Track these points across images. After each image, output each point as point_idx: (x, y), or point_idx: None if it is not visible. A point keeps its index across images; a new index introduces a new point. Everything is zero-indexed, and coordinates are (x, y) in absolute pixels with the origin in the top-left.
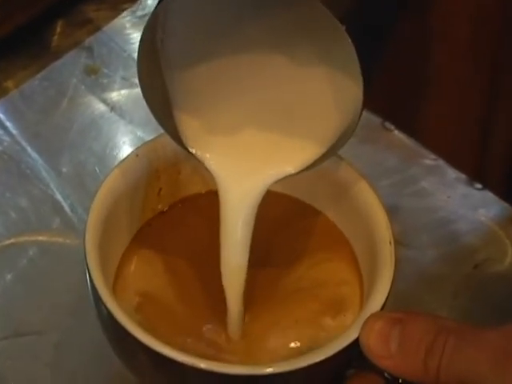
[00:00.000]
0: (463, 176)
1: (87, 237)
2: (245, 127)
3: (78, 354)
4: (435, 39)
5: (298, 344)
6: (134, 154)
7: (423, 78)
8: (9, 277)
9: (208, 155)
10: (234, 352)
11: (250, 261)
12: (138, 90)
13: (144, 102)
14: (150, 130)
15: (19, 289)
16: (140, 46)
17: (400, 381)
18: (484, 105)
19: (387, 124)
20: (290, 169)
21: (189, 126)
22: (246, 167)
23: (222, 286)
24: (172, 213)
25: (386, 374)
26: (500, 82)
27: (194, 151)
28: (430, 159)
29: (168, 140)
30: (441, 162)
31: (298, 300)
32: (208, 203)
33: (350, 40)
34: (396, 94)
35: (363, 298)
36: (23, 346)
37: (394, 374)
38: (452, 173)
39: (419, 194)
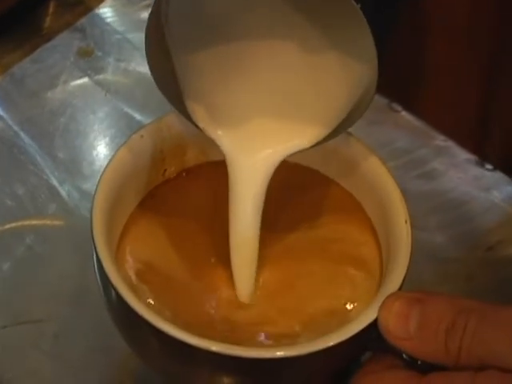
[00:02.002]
0: (473, 157)
1: (94, 221)
2: (255, 105)
3: (78, 342)
4: (433, 25)
5: (320, 299)
6: (139, 135)
7: (421, 64)
8: (6, 264)
9: (218, 132)
10: (240, 317)
11: (262, 226)
12: (133, 73)
13: (140, 85)
14: (148, 113)
15: (17, 277)
16: (148, 20)
17: (419, 362)
18: (482, 91)
19: (394, 105)
20: (300, 144)
21: (198, 104)
22: (256, 143)
23: (223, 252)
24: (175, 182)
25: (404, 356)
26: (498, 67)
27: (203, 128)
28: (439, 140)
29: (173, 120)
30: (450, 143)
31: (316, 257)
32: (211, 171)
33: (364, 19)
34: (395, 79)
35: (383, 264)
36: (22, 335)
37: (413, 355)
38: (462, 154)
39: (429, 175)
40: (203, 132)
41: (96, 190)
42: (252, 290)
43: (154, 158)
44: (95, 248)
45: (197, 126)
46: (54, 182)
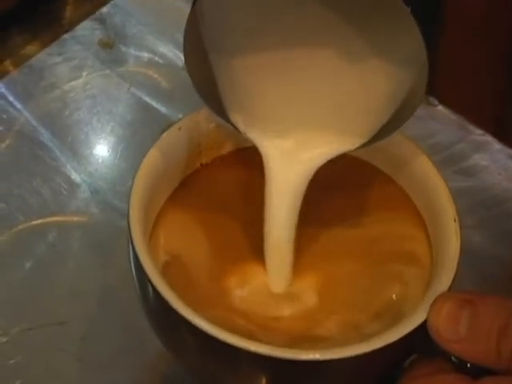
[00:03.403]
0: None
1: (131, 217)
2: (295, 109)
3: (106, 344)
4: (449, 16)
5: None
6: (177, 127)
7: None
8: (28, 263)
9: (258, 135)
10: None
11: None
12: (157, 65)
13: (165, 77)
14: (174, 107)
15: (40, 276)
16: (188, 16)
17: (468, 365)
18: (499, 85)
19: (431, 99)
20: (342, 148)
21: (237, 106)
22: (297, 147)
23: (254, 243)
24: (208, 169)
25: (453, 359)
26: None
27: (240, 129)
28: (477, 135)
29: (211, 113)
30: (488, 138)
31: (367, 252)
32: (245, 159)
33: (415, 23)
34: None
35: (433, 262)
36: (48, 337)
37: (463, 358)
38: (501, 149)
39: (468, 171)
40: (243, 134)
41: (133, 183)
42: (287, 284)
43: (191, 151)
44: (132, 244)
45: (236, 128)
46: (77, 179)
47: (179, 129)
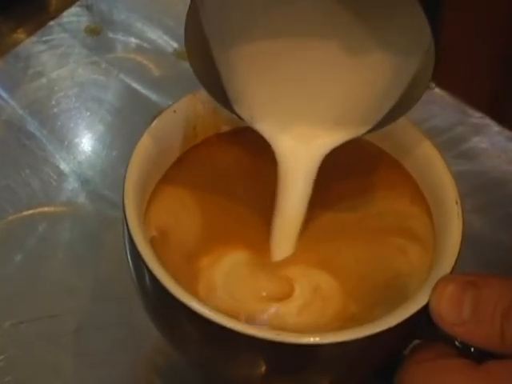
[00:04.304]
0: None
1: (126, 202)
2: (300, 98)
3: (100, 338)
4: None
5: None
6: (172, 110)
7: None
8: (18, 256)
9: (263, 124)
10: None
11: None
12: (146, 50)
13: (155, 64)
14: (165, 94)
15: (30, 269)
16: (189, 8)
17: (472, 350)
18: (497, 79)
19: None
20: (348, 135)
21: (240, 94)
22: (304, 134)
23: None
24: (202, 148)
25: (457, 343)
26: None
27: (246, 119)
28: (476, 118)
29: (208, 96)
30: (487, 121)
31: (369, 231)
32: (240, 139)
33: (421, 8)
34: None
35: (436, 240)
36: (40, 330)
37: (466, 341)
38: (500, 131)
39: (467, 154)
40: (248, 123)
41: (127, 168)
42: (288, 254)
43: (187, 134)
44: (128, 229)
45: (240, 118)
46: (66, 169)
47: (174, 112)
